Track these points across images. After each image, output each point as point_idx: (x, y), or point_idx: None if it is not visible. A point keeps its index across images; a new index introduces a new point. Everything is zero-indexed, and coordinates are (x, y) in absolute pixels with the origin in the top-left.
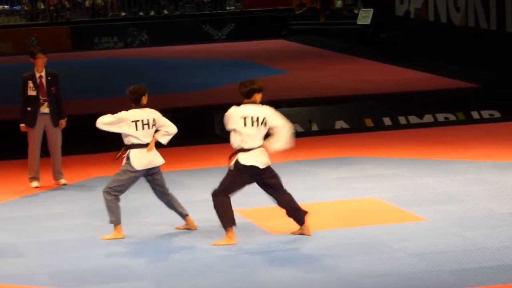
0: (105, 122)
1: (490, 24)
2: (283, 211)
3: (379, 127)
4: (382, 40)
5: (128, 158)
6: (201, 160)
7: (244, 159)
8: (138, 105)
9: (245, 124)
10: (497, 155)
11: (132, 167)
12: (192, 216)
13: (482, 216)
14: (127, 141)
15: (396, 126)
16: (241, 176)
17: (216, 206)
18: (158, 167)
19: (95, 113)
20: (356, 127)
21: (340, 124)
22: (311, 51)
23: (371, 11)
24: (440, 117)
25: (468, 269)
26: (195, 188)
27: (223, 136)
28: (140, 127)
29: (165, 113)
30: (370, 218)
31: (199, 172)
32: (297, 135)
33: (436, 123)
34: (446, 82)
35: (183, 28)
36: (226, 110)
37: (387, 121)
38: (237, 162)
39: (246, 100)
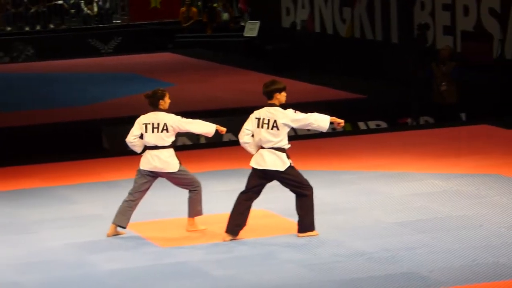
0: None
1: (376, 35)
2: (174, 224)
3: None
4: (269, 52)
5: None
6: (88, 174)
7: None
8: (154, 108)
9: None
10: (384, 166)
11: (139, 167)
12: (81, 231)
13: (370, 227)
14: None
15: None
16: None
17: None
18: (168, 173)
19: None
20: None
21: (228, 136)
22: (198, 64)
23: (257, 23)
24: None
25: (357, 279)
26: (82, 203)
27: (111, 150)
28: (150, 129)
29: (52, 127)
30: (259, 230)
31: (86, 186)
32: (185, 148)
33: (323, 134)
34: (333, 93)
35: (69, 42)
36: (113, 124)
37: None
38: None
39: (268, 101)
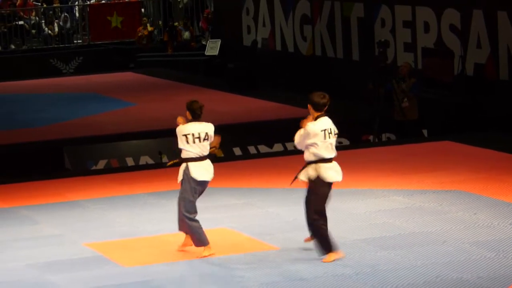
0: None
1: (337, 53)
2: (137, 243)
3: (229, 157)
4: (230, 70)
5: (186, 171)
6: (50, 194)
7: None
8: (194, 118)
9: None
10: (347, 183)
11: (193, 179)
12: (41, 252)
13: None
14: (183, 154)
15: (246, 156)
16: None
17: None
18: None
19: None
20: None
21: None
22: (159, 83)
23: (219, 42)
24: (290, 145)
25: None
26: (44, 223)
27: (73, 170)
28: (191, 140)
29: (14, 148)
30: (222, 248)
31: (48, 206)
32: (148, 167)
33: (285, 152)
34: (295, 111)
35: (30, 62)
36: (76, 144)
37: (237, 151)
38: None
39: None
